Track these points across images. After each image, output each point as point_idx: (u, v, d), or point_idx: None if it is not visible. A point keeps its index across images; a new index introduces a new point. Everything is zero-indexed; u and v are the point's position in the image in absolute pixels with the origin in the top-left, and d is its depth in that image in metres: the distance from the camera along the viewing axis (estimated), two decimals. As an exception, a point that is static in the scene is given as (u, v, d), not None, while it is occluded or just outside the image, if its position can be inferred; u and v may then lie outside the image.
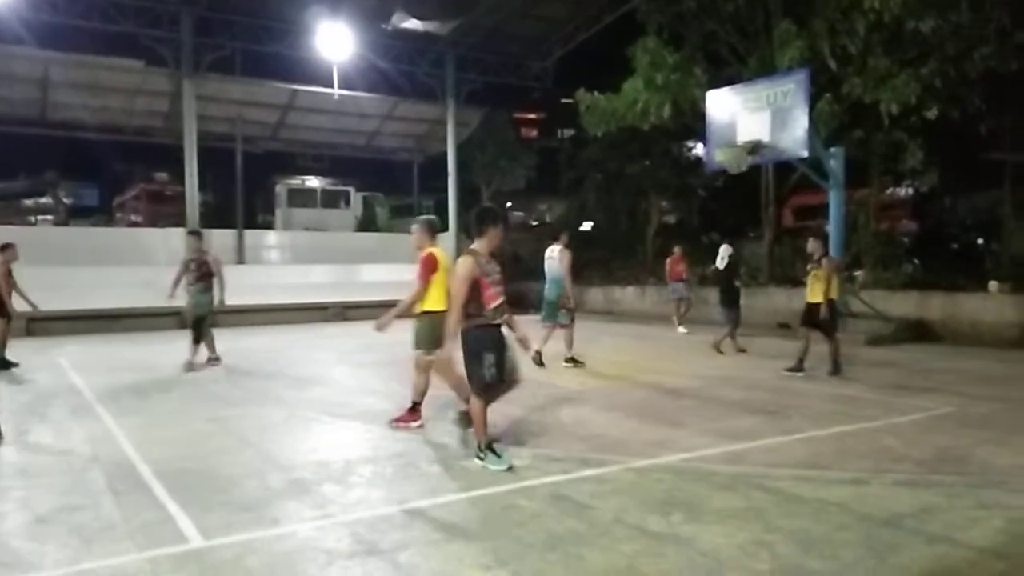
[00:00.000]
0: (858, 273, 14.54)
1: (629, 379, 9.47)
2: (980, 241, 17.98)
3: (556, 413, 7.28)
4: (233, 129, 22.27)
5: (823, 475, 5.10)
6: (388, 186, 29.93)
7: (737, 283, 11.98)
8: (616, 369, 10.47)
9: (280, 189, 26.87)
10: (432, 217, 7.17)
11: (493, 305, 5.32)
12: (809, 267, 9.50)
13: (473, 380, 5.33)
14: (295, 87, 21.63)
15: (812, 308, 9.33)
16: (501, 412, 7.34)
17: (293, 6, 18.03)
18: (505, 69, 22.48)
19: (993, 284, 12.82)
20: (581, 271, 22.69)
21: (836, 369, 9.27)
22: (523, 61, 22.33)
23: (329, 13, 17.80)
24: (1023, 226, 14.78)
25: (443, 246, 9.80)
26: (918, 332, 12.91)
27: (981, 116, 15.54)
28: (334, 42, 18.51)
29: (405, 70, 21.36)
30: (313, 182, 28.26)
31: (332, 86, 20.15)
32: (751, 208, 22.84)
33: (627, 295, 20.22)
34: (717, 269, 12.19)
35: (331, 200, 26.89)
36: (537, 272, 25.05)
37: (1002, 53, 13.16)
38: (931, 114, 13.58)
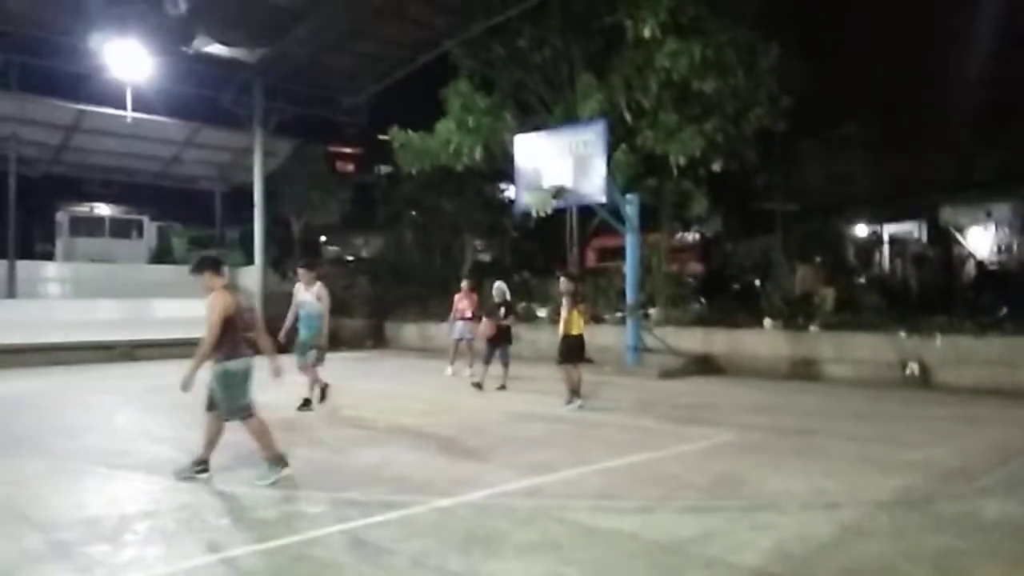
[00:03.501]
0: (652, 311, 15.52)
1: (437, 417, 9.42)
2: (757, 282, 19.90)
3: (360, 454, 7.07)
4: (7, 149, 20.00)
5: (616, 504, 5.32)
6: (189, 216, 28.13)
7: (510, 321, 12.00)
8: (426, 406, 10.39)
9: (62, 216, 24.41)
10: None
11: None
12: (574, 302, 9.77)
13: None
14: (81, 107, 19.83)
15: (577, 340, 9.76)
16: (302, 456, 7.03)
17: (81, 19, 16.59)
18: (317, 101, 21.98)
19: (767, 321, 14.18)
20: (396, 308, 22.59)
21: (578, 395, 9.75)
22: (336, 95, 21.98)
23: (122, 30, 16.55)
24: (792, 269, 16.50)
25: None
26: (704, 365, 13.97)
27: (756, 170, 17.30)
28: (128, 62, 17.21)
29: (208, 96, 20.29)
30: (102, 209, 25.96)
31: (125, 108, 18.72)
32: (558, 248, 23.89)
33: (441, 331, 20.18)
34: (495, 306, 11.97)
35: (121, 229, 24.78)
36: (347, 307, 24.50)
37: (772, 115, 14.76)
38: (715, 167, 14.89)
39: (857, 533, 4.61)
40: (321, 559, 4.20)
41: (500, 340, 11.79)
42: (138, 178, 25.17)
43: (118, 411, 10.05)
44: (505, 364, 11.81)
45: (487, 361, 11.78)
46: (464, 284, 14.31)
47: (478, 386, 11.42)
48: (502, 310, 11.85)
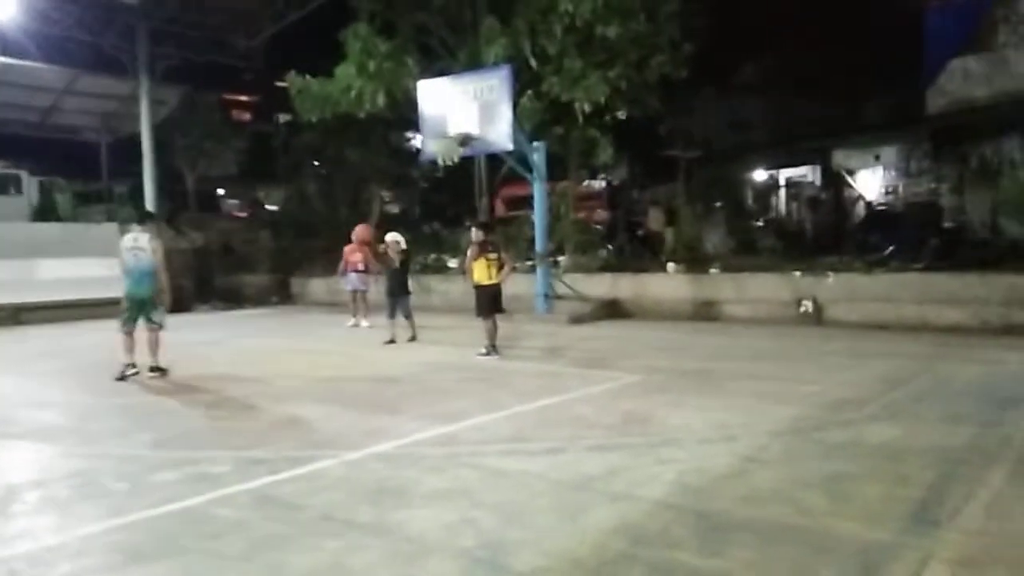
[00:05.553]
0: (561, 258, 15.69)
1: (347, 370, 9.30)
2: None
3: (265, 411, 6.90)
4: None
5: (525, 447, 5.39)
6: (73, 170, 26.31)
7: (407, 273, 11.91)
8: (335, 360, 10.23)
9: (-73, 172, 22.42)
10: None
11: None
12: (480, 252, 9.71)
13: None
14: (-61, 50, 18.17)
15: (490, 290, 9.71)
16: (205, 416, 6.82)
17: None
18: (209, 45, 20.80)
19: (671, 266, 14.58)
20: (301, 262, 22.02)
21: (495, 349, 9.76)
22: (229, 38, 20.86)
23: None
24: (694, 214, 16.93)
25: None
26: (612, 310, 14.28)
27: (660, 118, 17.55)
28: (-8, 0, 15.83)
29: (88, 40, 18.89)
30: (-26, 164, 23.97)
31: (-9, 52, 17.26)
32: (468, 198, 23.72)
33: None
34: (389, 258, 11.73)
35: (-2, 186, 23.02)
36: (250, 263, 23.64)
37: (674, 62, 14.92)
38: (621, 114, 14.99)
39: (753, 462, 4.84)
40: (227, 519, 4.09)
41: (399, 292, 11.61)
42: (13, 129, 23.28)
43: (2, 377, 9.46)
44: (407, 315, 11.64)
45: (391, 315, 11.60)
46: (354, 237, 14.41)
47: (391, 342, 11.30)
48: (397, 260, 11.60)
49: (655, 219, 15.74)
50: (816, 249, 14.94)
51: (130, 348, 8.73)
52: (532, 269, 15.05)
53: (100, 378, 9.04)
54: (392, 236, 11.91)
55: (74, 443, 5.92)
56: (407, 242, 12.09)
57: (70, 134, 24.14)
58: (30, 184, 23.99)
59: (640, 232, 17.06)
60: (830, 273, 12.42)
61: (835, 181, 23.44)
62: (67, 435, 6.23)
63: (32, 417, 6.97)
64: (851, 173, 23.24)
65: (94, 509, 4.33)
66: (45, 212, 23.50)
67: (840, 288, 12.25)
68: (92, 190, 24.69)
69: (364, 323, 13.74)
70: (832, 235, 18.58)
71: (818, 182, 24.53)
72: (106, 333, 13.21)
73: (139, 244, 8.71)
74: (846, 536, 3.64)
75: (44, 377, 9.40)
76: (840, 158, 23.60)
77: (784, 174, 25.32)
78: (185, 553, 3.64)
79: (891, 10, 20.84)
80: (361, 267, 14.02)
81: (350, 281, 14.22)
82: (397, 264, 11.58)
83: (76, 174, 25.95)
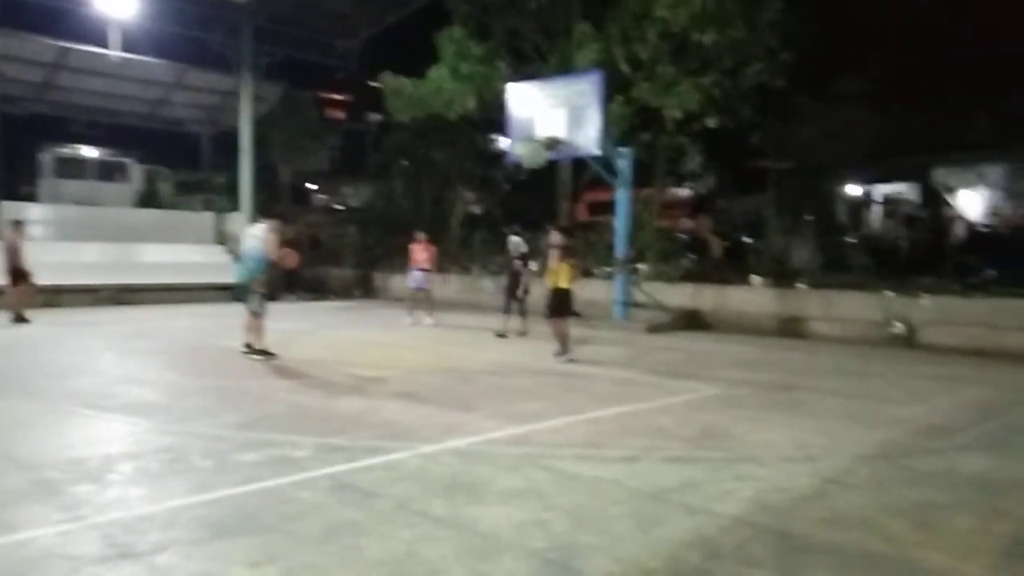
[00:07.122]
0: (641, 266, 15.50)
1: (425, 365, 9.44)
2: (747, 240, 19.86)
3: (346, 400, 7.08)
4: (-12, 86, 19.58)
5: (601, 453, 5.35)
6: (175, 160, 27.72)
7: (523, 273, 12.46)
8: (413, 355, 10.41)
9: (46, 157, 23.96)
10: None
11: None
12: (560, 256, 9.82)
13: None
14: (65, 44, 19.35)
15: (566, 294, 9.74)
16: (288, 401, 7.04)
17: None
18: (308, 45, 21.58)
19: (755, 278, 14.20)
20: (384, 258, 22.51)
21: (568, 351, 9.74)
22: (328, 39, 21.56)
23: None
24: (783, 227, 16.47)
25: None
26: (692, 321, 14.02)
27: (752, 127, 17.12)
28: (113, -2, 16.80)
29: (196, 36, 19.83)
30: (88, 151, 25.51)
31: (110, 46, 18.29)
32: (550, 202, 23.75)
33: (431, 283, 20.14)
34: (511, 259, 12.52)
35: (107, 172, 24.38)
36: (336, 256, 24.23)
37: (771, 70, 14.53)
38: (711, 122, 14.70)
39: (837, 485, 4.67)
40: (306, 501, 4.21)
41: (517, 292, 12.26)
42: (124, 119, 24.71)
43: (102, 354, 10.01)
44: (523, 313, 12.22)
45: (507, 311, 12.24)
46: (422, 236, 14.69)
47: (503, 336, 11.94)
48: (517, 262, 12.34)
49: (702, 226, 15.96)
50: (911, 269, 14.29)
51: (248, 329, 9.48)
52: (611, 275, 14.92)
53: (192, 359, 9.47)
54: (514, 239, 12.63)
55: (165, 420, 6.21)
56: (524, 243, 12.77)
57: (175, 126, 25.41)
58: (136, 172, 25.41)
59: (687, 238, 17.30)
60: (925, 294, 11.87)
61: (934, 199, 22.41)
62: (159, 412, 6.53)
63: (129, 393, 7.35)
64: (951, 191, 22.17)
65: (182, 484, 4.53)
66: (148, 199, 24.84)
67: (935, 311, 11.69)
68: (192, 180, 25.91)
69: (428, 320, 14.12)
70: (929, 255, 17.76)
71: (916, 199, 23.51)
72: (200, 317, 13.84)
73: (254, 232, 9.44)
74: (934, 568, 3.47)
75: (141, 356, 9.90)
76: (941, 175, 22.56)
77: (880, 189, 24.37)
78: (266, 532, 3.76)
79: (1005, 19, 19.77)
80: (426, 266, 14.37)
81: (414, 279, 14.47)
82: (519, 265, 12.35)
83: (178, 164, 27.33)
